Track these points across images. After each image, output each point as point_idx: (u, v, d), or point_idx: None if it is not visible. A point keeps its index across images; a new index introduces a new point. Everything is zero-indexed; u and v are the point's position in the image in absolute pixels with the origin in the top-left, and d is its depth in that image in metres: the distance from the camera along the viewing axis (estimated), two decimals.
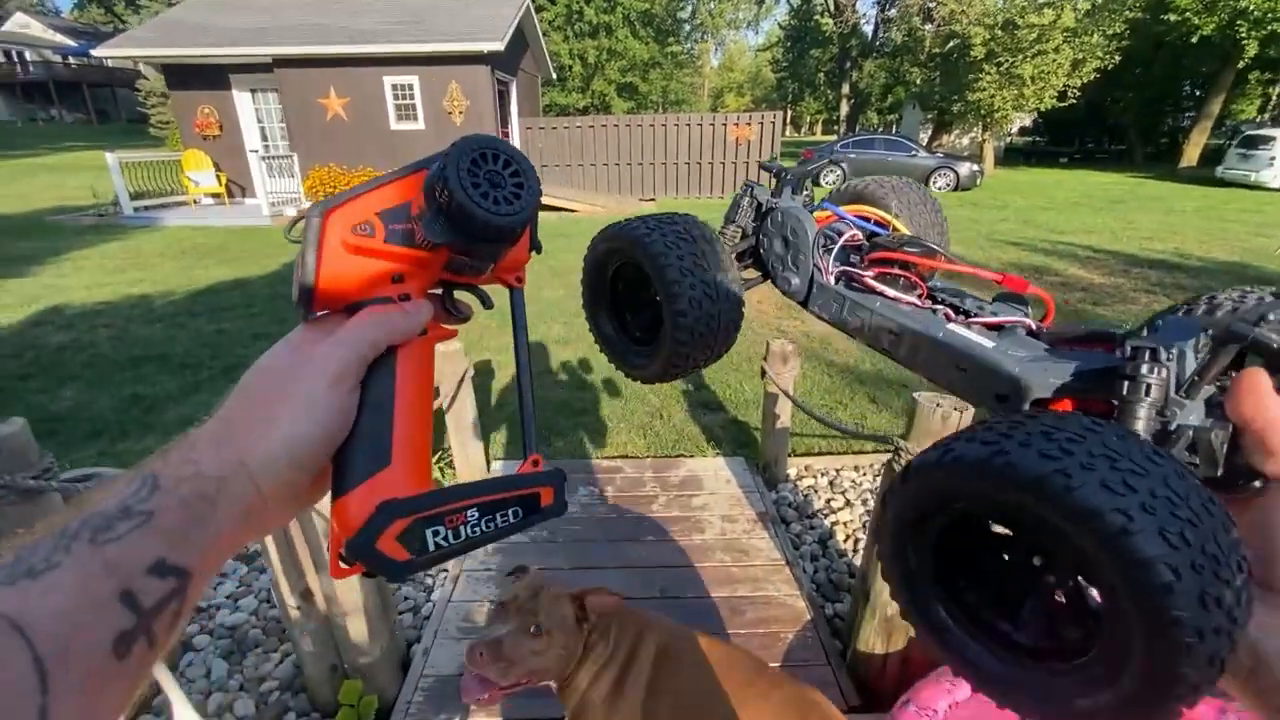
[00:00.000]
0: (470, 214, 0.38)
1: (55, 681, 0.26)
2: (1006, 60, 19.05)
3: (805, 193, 0.86)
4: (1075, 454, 0.31)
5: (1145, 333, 0.46)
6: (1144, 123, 27.44)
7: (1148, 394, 0.41)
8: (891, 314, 0.66)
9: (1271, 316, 0.38)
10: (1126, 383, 0.42)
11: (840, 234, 0.78)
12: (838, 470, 3.42)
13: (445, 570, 2.61)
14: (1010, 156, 28.14)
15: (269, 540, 1.74)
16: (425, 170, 0.41)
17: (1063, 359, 0.51)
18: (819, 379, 4.62)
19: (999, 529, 0.40)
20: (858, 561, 2.69)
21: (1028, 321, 0.59)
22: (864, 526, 2.91)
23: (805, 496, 3.17)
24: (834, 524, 2.93)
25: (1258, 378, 0.35)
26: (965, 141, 28.13)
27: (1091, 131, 32.60)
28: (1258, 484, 0.35)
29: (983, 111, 20.62)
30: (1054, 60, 18.77)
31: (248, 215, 12.07)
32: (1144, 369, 0.41)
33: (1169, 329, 0.45)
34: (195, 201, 13.28)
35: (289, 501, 0.39)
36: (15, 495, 1.56)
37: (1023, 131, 36.95)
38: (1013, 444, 0.33)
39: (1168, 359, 0.42)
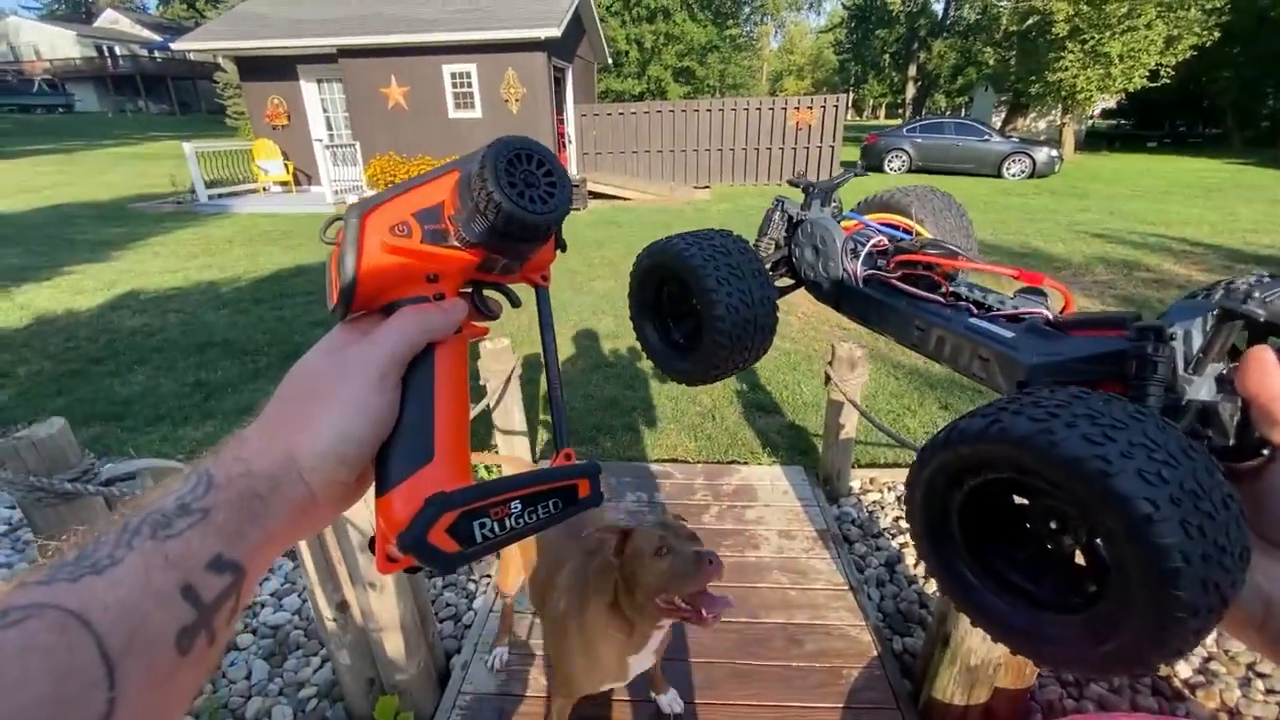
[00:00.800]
0: (507, 213, 0.39)
1: (122, 674, 0.26)
2: (1092, 37, 17.67)
3: (833, 204, 0.92)
4: (1061, 417, 0.35)
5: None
6: (1244, 105, 24.97)
7: (1155, 372, 0.45)
8: (916, 310, 0.72)
9: (1257, 294, 0.43)
10: (1135, 362, 0.46)
11: (866, 240, 0.83)
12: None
13: (489, 577, 2.53)
14: (1092, 141, 26.21)
15: (305, 551, 1.67)
16: (457, 171, 0.41)
17: (1074, 344, 0.56)
18: (885, 381, 4.33)
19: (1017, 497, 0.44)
20: (930, 589, 2.46)
21: (1046, 313, 0.63)
22: None
23: (870, 513, 2.93)
24: (902, 546, 2.70)
25: (1263, 354, 0.38)
26: (1042, 125, 26.41)
27: (1183, 114, 30.02)
28: (1266, 452, 0.38)
29: (1063, 93, 19.24)
30: (1145, 37, 17.29)
31: (312, 202, 12.43)
32: (1149, 348, 0.45)
33: (1177, 311, 0.48)
34: (264, 189, 13.79)
35: (338, 499, 0.40)
36: (53, 498, 1.53)
37: (1106, 114, 34.41)
38: (1059, 424, 0.36)
39: (1172, 338, 0.45)
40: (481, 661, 2.08)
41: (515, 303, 0.51)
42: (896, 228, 0.88)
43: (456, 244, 0.41)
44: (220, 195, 12.92)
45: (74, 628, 0.26)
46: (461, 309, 0.43)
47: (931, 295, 0.73)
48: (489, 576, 2.54)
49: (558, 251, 0.48)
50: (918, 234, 0.87)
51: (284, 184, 13.86)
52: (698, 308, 0.80)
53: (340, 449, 0.37)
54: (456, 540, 0.37)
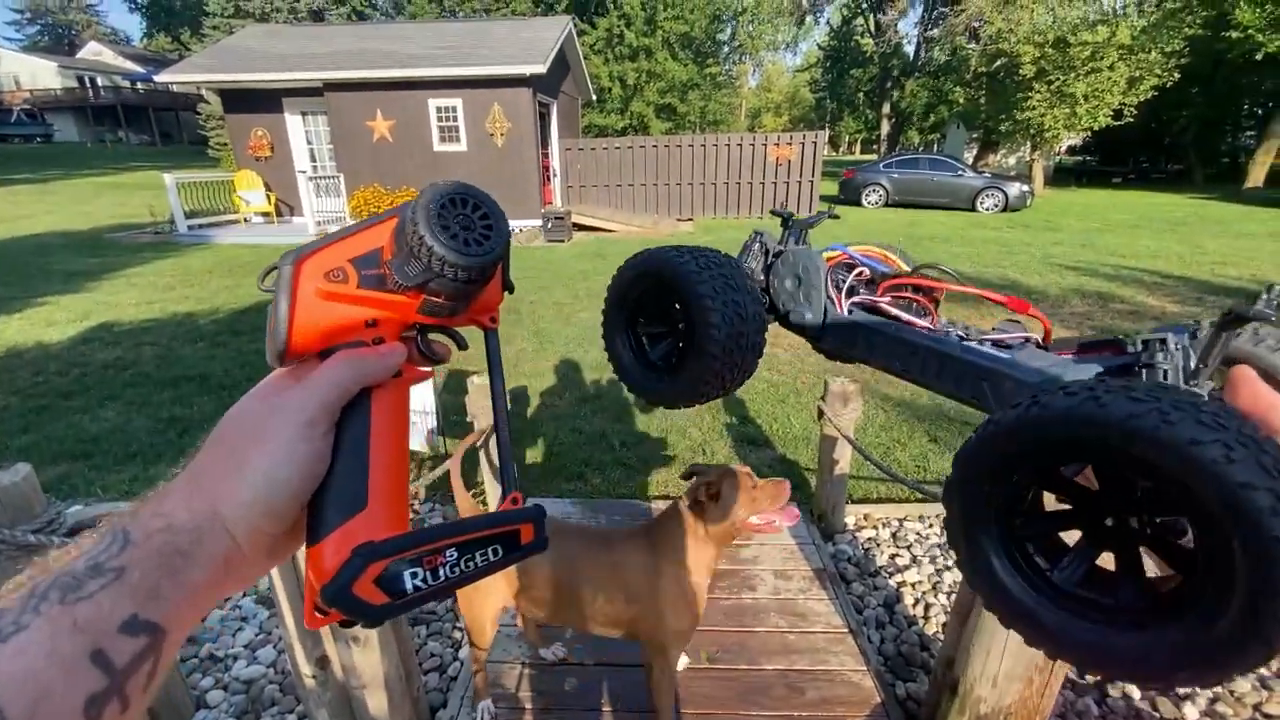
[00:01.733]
0: (440, 256, 0.39)
1: None
2: (1058, 78, 18.41)
3: (805, 243, 0.94)
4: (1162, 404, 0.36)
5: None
6: (1204, 142, 26.15)
7: (1165, 380, 0.47)
8: (909, 335, 0.71)
9: (1264, 296, 0.47)
10: (1145, 371, 0.48)
11: (849, 271, 0.84)
12: (900, 520, 3.13)
13: None
14: (1060, 176, 27.10)
15: (284, 604, 1.58)
16: (396, 217, 0.41)
17: (1085, 362, 0.57)
18: (874, 414, 4.32)
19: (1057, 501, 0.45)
20: (930, 631, 2.41)
21: (1034, 337, 0.66)
22: (934, 589, 2.62)
23: (866, 551, 2.89)
24: (900, 585, 2.65)
25: (1247, 370, 0.40)
26: (1012, 161, 27.29)
27: (1146, 151, 31.23)
28: None
29: (1032, 131, 19.96)
30: (1109, 78, 18.05)
31: (294, 233, 12.34)
32: (1159, 357, 0.48)
33: (1164, 329, 0.51)
34: (245, 220, 13.67)
35: (266, 551, 0.38)
36: (14, 550, 1.43)
37: (1072, 150, 35.67)
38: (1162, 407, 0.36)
39: (1176, 349, 0.48)
40: (469, 718, 1.97)
41: (462, 346, 0.50)
42: (875, 259, 0.89)
43: (393, 289, 0.41)
44: (200, 226, 12.79)
45: None
46: (399, 353, 0.42)
47: (921, 321, 0.75)
48: None
49: (505, 293, 0.47)
50: (896, 266, 0.89)
51: (266, 215, 13.76)
52: (679, 327, 0.79)
53: (266, 498, 0.36)
54: (385, 592, 0.36)
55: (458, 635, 2.42)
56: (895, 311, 0.77)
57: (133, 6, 53.14)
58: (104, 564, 0.31)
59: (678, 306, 0.84)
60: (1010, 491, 0.45)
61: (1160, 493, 0.39)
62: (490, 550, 0.40)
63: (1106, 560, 0.45)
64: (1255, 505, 0.32)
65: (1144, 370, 0.50)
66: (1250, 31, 17.87)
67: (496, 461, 0.50)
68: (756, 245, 0.94)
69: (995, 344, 0.67)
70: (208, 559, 0.34)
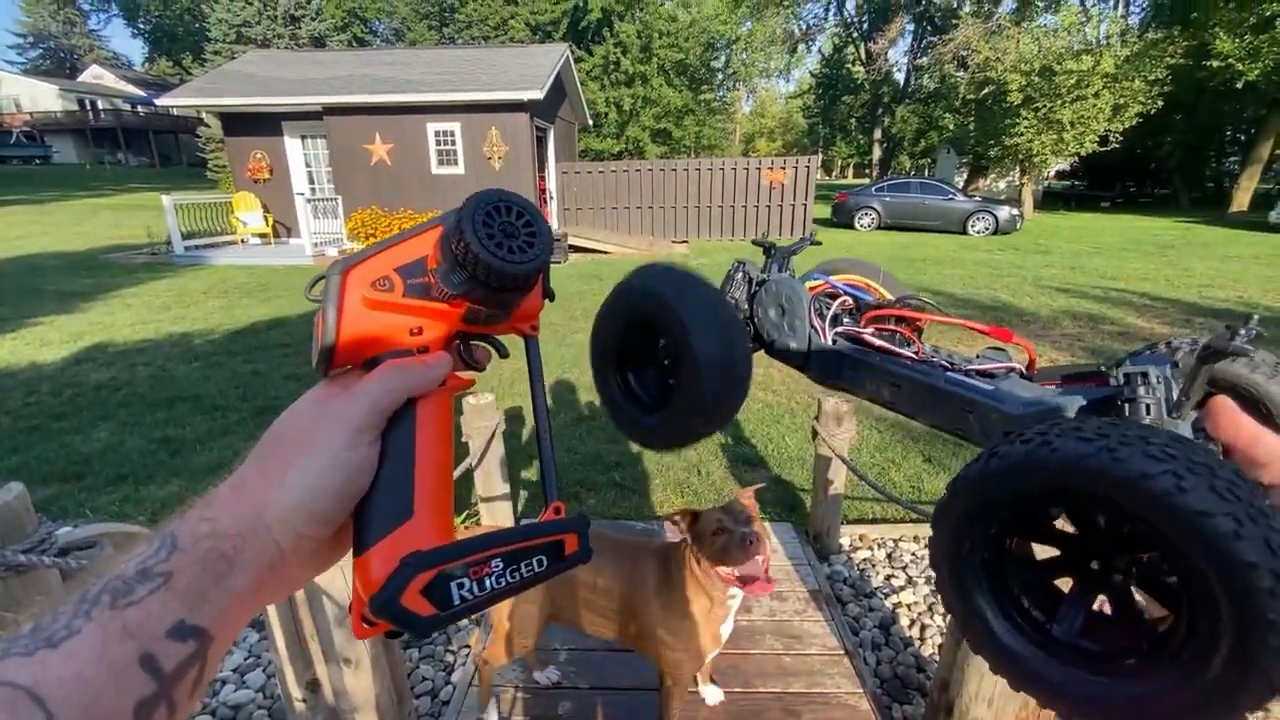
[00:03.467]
0: (485, 264, 0.39)
1: None
2: (1044, 105, 18.82)
3: (788, 270, 0.93)
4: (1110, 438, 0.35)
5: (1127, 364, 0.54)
6: (1188, 167, 26.70)
7: (1148, 414, 0.47)
8: (893, 366, 0.71)
9: (1242, 332, 0.47)
10: (1128, 405, 0.48)
11: (832, 300, 0.84)
12: (895, 541, 3.13)
13: (468, 648, 2.40)
14: (1049, 200, 27.57)
15: (275, 625, 1.56)
16: (440, 226, 0.41)
17: (1068, 393, 0.57)
18: (868, 435, 4.34)
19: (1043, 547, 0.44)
20: (926, 652, 2.39)
21: (1018, 366, 0.66)
22: (930, 610, 2.61)
23: (861, 571, 2.88)
24: (896, 606, 2.64)
25: (1226, 401, 0.40)
26: (1002, 185, 27.73)
27: (1132, 176, 31.85)
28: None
29: (1020, 156, 20.33)
30: (1094, 105, 18.47)
31: (291, 255, 12.39)
32: (1141, 390, 0.48)
33: (1144, 360, 0.51)
34: (242, 241, 13.71)
35: (310, 558, 0.38)
36: (3, 570, 1.42)
37: (1060, 175, 36.27)
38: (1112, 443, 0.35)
39: (1158, 381, 0.48)
40: None
41: (504, 354, 0.49)
42: (858, 288, 0.89)
43: (439, 297, 0.41)
44: (197, 247, 12.81)
45: (24, 705, 0.25)
46: (445, 362, 0.43)
47: (905, 351, 0.74)
48: (468, 647, 2.41)
49: (545, 300, 0.47)
50: (879, 294, 0.89)
51: (263, 236, 13.81)
52: (665, 363, 0.76)
53: (311, 504, 0.36)
54: (432, 603, 0.35)
55: (450, 659, 2.39)
56: (878, 342, 0.77)
57: (135, 32, 53.96)
58: (152, 569, 0.31)
59: (661, 341, 0.79)
60: (993, 544, 0.43)
61: (1132, 530, 0.38)
62: (536, 561, 0.40)
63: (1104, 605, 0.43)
64: (1216, 532, 0.30)
65: (1126, 404, 0.50)
66: (1230, 60, 18.36)
67: (539, 471, 0.50)
68: (740, 274, 0.93)
69: (979, 373, 0.67)
70: (252, 564, 0.34)
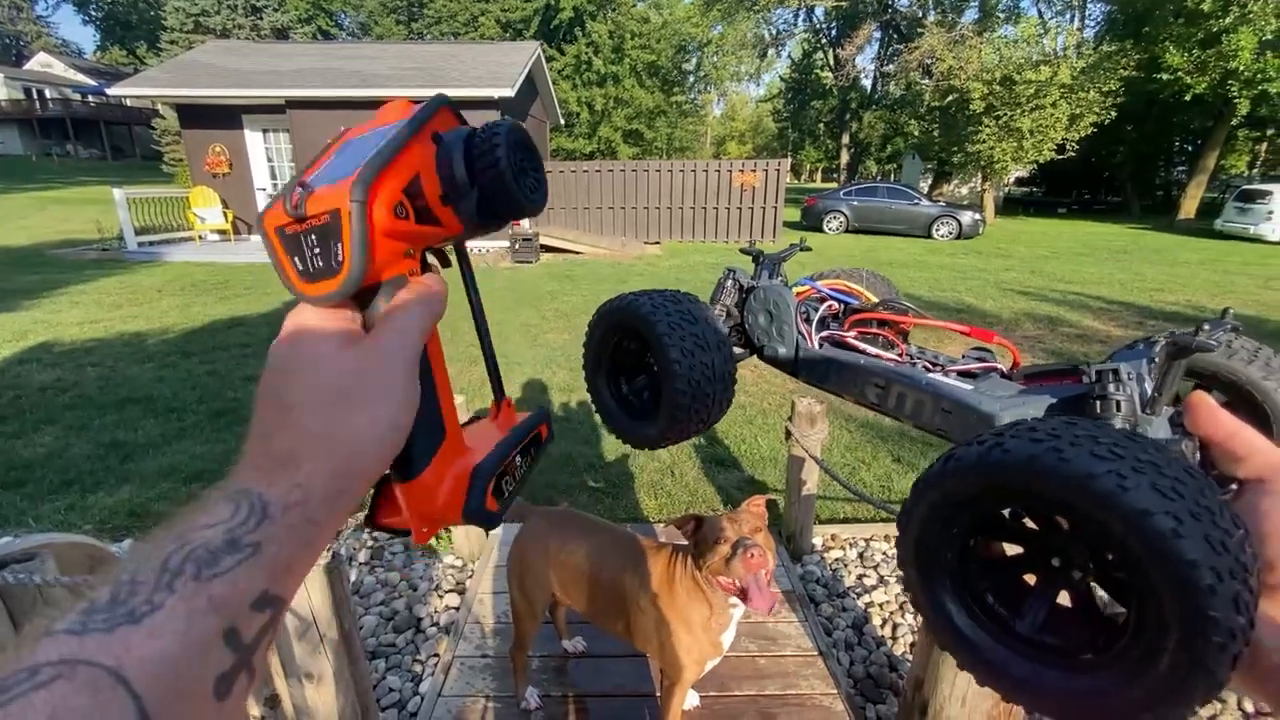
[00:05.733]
0: (512, 197, 0.40)
1: None
2: (1005, 114, 19.36)
3: (779, 276, 0.95)
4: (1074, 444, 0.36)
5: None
6: (1140, 176, 27.82)
7: (1119, 410, 0.47)
8: (876, 368, 0.73)
9: (1206, 327, 0.48)
10: (1099, 402, 0.48)
11: (818, 305, 0.87)
12: (867, 540, 3.15)
13: (436, 656, 2.33)
14: (1009, 206, 28.38)
15: None
16: (426, 139, 0.39)
17: (1038, 393, 0.58)
18: (839, 435, 4.38)
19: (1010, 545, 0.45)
20: (898, 651, 2.41)
21: (999, 366, 0.67)
22: (901, 609, 2.63)
23: (834, 571, 2.89)
24: (868, 605, 2.66)
25: (1204, 396, 0.40)
26: (965, 191, 28.47)
27: (1088, 183, 33.07)
28: (1234, 487, 0.38)
29: (982, 162, 20.89)
30: (1052, 114, 19.08)
31: (252, 252, 12.00)
32: (1111, 388, 0.48)
33: (1120, 357, 0.51)
34: (200, 238, 13.27)
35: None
36: None
37: (1020, 182, 37.47)
38: (1064, 444, 0.36)
39: (1129, 378, 0.48)
40: None
41: (446, 263, 0.49)
42: (844, 293, 0.91)
43: (441, 220, 0.40)
44: (151, 243, 12.36)
45: (108, 688, 0.24)
46: (445, 285, 0.43)
47: (888, 354, 0.76)
48: (436, 656, 2.34)
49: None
50: (865, 298, 0.90)
51: (222, 232, 13.38)
52: (654, 370, 0.81)
53: (394, 448, 0.37)
54: (498, 500, 0.42)
55: (418, 669, 2.32)
56: (863, 346, 0.78)
57: (86, 19, 51.78)
58: (241, 539, 0.29)
59: (647, 351, 0.85)
60: (957, 543, 0.44)
61: (1088, 529, 0.38)
62: (531, 451, 0.48)
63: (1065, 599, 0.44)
64: (1156, 530, 0.31)
65: (1098, 401, 0.50)
66: (1179, 74, 19.16)
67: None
68: (730, 282, 0.95)
69: (961, 374, 0.68)
70: (336, 524, 0.34)
